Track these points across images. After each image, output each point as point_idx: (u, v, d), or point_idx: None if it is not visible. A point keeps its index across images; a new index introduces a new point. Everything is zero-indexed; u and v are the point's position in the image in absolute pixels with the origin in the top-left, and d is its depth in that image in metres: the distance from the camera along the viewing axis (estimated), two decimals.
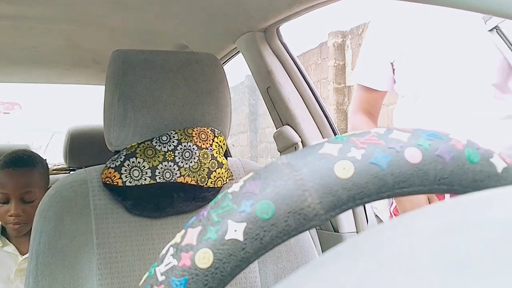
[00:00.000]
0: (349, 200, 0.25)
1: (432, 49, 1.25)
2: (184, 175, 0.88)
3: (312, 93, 1.39)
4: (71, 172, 1.85)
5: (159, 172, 0.87)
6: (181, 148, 0.88)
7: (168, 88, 0.88)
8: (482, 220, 0.17)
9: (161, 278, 0.25)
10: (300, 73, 1.38)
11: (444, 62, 1.23)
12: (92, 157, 1.95)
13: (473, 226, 0.17)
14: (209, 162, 0.90)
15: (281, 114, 1.42)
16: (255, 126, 6.78)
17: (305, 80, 1.39)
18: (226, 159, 0.95)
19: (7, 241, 1.41)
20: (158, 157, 0.87)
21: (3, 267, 1.37)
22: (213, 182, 0.91)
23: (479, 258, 0.14)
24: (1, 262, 1.37)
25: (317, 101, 1.39)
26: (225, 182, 0.93)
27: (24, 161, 1.38)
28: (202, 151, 0.90)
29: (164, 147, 0.88)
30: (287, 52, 1.38)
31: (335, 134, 1.39)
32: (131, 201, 0.86)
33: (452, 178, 0.26)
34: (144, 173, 0.87)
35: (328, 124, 1.38)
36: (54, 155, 3.15)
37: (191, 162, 0.89)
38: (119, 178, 0.85)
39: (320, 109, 1.39)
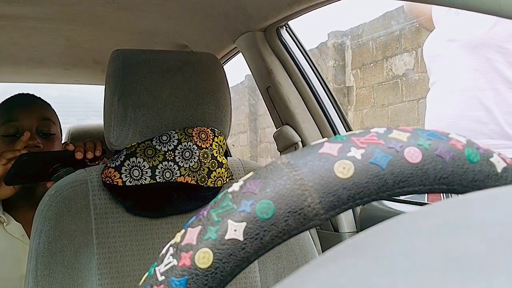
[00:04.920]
0: (349, 199, 0.25)
1: None
2: (184, 174, 0.88)
3: (312, 93, 1.39)
4: None
5: (159, 172, 0.87)
6: (181, 148, 0.88)
7: (168, 88, 0.88)
8: (482, 220, 0.17)
9: (161, 278, 0.25)
10: (300, 72, 1.38)
11: None
12: None
13: (473, 226, 0.17)
14: (209, 162, 0.90)
15: (281, 114, 1.42)
16: (255, 126, 6.78)
17: (305, 79, 1.38)
18: (226, 158, 0.95)
19: (14, 219, 1.17)
20: (158, 156, 0.87)
21: (10, 248, 1.15)
22: (213, 182, 0.91)
23: (479, 258, 0.14)
24: (8, 246, 1.15)
25: (317, 100, 1.39)
26: (225, 182, 0.93)
27: (36, 97, 1.24)
28: (202, 150, 0.90)
29: (164, 146, 0.88)
30: (287, 51, 1.38)
31: (335, 134, 1.39)
32: (131, 200, 0.86)
33: (452, 178, 0.26)
34: (144, 172, 0.87)
35: (328, 123, 1.38)
36: None
37: (191, 162, 0.89)
38: (119, 178, 0.85)
39: (320, 108, 1.39)
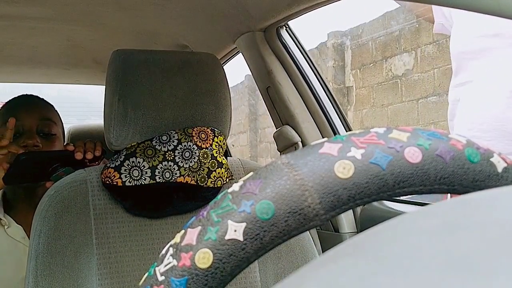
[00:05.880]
0: (349, 200, 0.25)
1: None
2: (184, 175, 0.88)
3: (312, 93, 1.39)
4: None
5: (159, 172, 0.87)
6: (181, 148, 0.88)
7: (168, 88, 0.88)
8: (482, 220, 0.17)
9: (161, 278, 0.25)
10: (300, 72, 1.38)
11: None
12: None
13: (473, 226, 0.17)
14: (209, 162, 0.90)
15: (281, 114, 1.42)
16: (255, 126, 6.78)
17: (304, 79, 1.38)
18: (226, 158, 0.95)
19: (14, 222, 1.17)
20: (158, 157, 0.87)
21: (11, 251, 1.15)
22: (213, 182, 0.91)
23: (479, 258, 0.14)
24: (9, 249, 1.15)
25: (316, 100, 1.39)
26: (225, 182, 0.93)
27: (38, 97, 1.26)
28: (202, 151, 0.90)
29: (164, 146, 0.88)
30: (287, 52, 1.38)
31: (335, 134, 1.39)
32: (130, 201, 0.86)
33: (452, 178, 0.26)
34: (144, 173, 0.86)
35: (328, 123, 1.38)
36: None
37: (191, 162, 0.89)
38: (118, 178, 0.85)
39: (320, 108, 1.39)
